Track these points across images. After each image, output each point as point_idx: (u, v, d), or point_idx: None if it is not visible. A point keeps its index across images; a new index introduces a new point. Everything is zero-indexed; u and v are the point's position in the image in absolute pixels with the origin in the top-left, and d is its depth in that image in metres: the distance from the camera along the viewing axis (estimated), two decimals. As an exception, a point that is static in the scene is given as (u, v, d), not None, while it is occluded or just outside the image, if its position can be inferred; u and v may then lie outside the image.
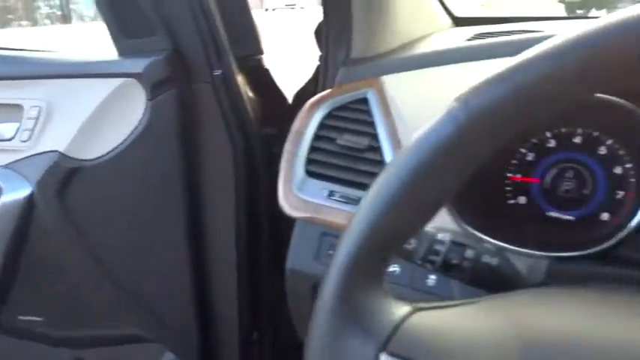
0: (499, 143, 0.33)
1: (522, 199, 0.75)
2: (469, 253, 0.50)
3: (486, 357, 0.32)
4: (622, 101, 0.62)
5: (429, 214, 0.35)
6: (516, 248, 0.62)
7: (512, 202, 0.75)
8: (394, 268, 0.65)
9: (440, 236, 0.50)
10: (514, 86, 0.31)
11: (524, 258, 0.62)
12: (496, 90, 0.32)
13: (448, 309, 0.38)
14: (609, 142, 0.69)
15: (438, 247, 0.50)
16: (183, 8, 0.81)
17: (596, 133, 0.70)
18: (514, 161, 0.75)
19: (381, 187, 0.34)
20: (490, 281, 0.51)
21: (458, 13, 1.09)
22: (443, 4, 1.03)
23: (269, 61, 0.97)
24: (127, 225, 1.02)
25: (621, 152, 0.68)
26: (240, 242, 1.03)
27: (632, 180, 0.68)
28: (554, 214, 0.73)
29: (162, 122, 0.89)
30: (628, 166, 0.68)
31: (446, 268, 0.50)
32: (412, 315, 0.36)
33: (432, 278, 0.62)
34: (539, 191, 0.73)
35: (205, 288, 1.08)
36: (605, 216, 0.70)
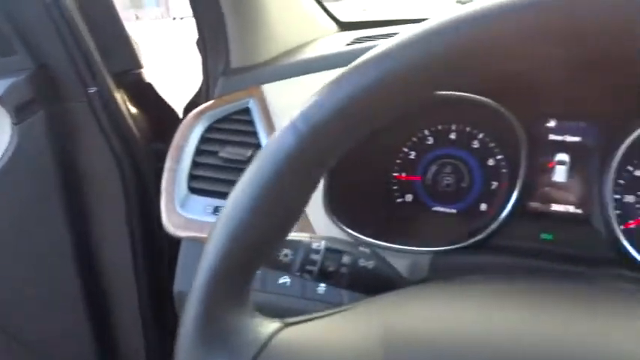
0: (342, 149, 0.33)
1: (409, 197, 0.77)
2: (345, 259, 0.50)
3: None
4: (487, 100, 0.66)
5: (285, 226, 0.34)
6: (400, 246, 0.64)
7: (400, 200, 0.77)
8: (284, 280, 0.64)
9: (315, 245, 0.49)
10: (349, 93, 0.31)
11: (407, 256, 0.63)
12: (332, 98, 0.31)
13: (318, 320, 0.37)
14: (481, 136, 0.73)
15: (313, 256, 0.49)
16: (43, 21, 0.75)
17: (468, 129, 0.73)
18: (398, 160, 0.77)
19: (233, 202, 0.33)
20: (370, 285, 0.51)
21: (343, 18, 1.11)
22: (326, 10, 1.04)
23: (151, 74, 0.93)
24: (7, 261, 0.93)
25: (492, 145, 0.72)
26: (139, 268, 0.97)
27: (504, 171, 0.72)
28: (438, 208, 0.75)
29: (34, 147, 0.82)
30: (499, 157, 0.72)
31: (324, 276, 0.49)
32: (281, 331, 0.35)
33: (322, 287, 0.62)
34: (423, 188, 0.76)
35: (106, 323, 1.01)
36: (483, 207, 0.73)
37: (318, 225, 0.62)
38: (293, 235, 0.50)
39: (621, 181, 0.67)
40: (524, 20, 0.26)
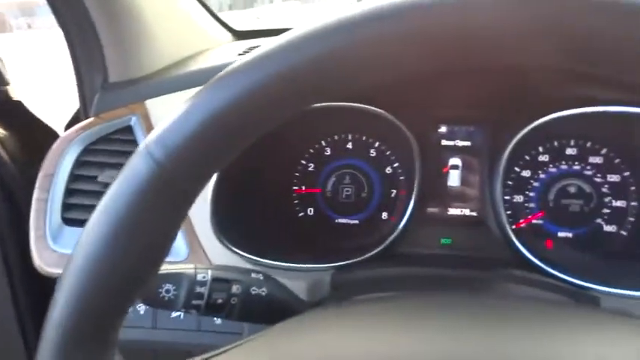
0: (210, 172, 0.29)
1: (311, 210, 0.74)
2: (235, 288, 0.46)
3: None
4: (376, 109, 0.65)
5: (151, 264, 0.30)
6: (301, 265, 0.61)
7: (301, 215, 0.74)
8: (177, 313, 0.58)
9: (200, 276, 0.45)
10: (211, 110, 0.27)
11: (308, 275, 0.61)
12: (192, 116, 0.28)
13: None
14: (377, 145, 0.72)
15: (199, 289, 0.45)
16: None
17: (364, 138, 0.73)
18: (297, 174, 0.74)
19: (85, 241, 0.28)
20: (266, 313, 0.48)
21: (238, 27, 1.07)
22: (219, 19, 1.00)
23: (20, 92, 0.83)
24: None
25: (388, 153, 0.72)
26: (21, 310, 0.86)
27: (402, 178, 0.72)
28: (341, 220, 0.74)
29: None
30: (396, 165, 0.72)
31: (213, 310, 0.45)
32: None
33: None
34: (324, 200, 0.74)
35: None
36: (384, 215, 0.73)
37: (211, 251, 0.58)
38: (175, 268, 0.46)
39: (510, 182, 0.69)
40: (398, 31, 0.25)
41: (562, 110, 0.60)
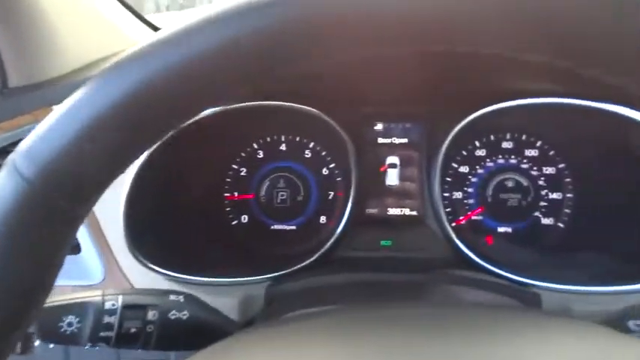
0: (97, 187, 0.24)
1: (244, 218, 0.70)
2: (151, 314, 0.41)
3: None
4: (308, 108, 0.61)
5: (29, 303, 0.25)
6: (232, 279, 0.56)
7: (235, 222, 0.69)
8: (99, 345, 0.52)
9: (109, 304, 0.40)
10: (88, 114, 0.23)
11: (241, 289, 0.56)
12: (65, 123, 0.23)
13: None
14: (311, 145, 0.69)
15: (108, 319, 0.39)
16: None
17: (298, 139, 0.69)
18: (228, 179, 0.69)
19: None
20: (189, 338, 0.43)
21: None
22: (143, 18, 0.93)
23: None
24: None
25: (323, 154, 0.69)
26: None
27: (339, 179, 0.69)
28: (277, 226, 0.70)
29: None
30: (332, 166, 0.69)
31: (126, 341, 0.40)
32: None
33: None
34: (258, 206, 0.69)
35: None
36: (323, 219, 0.69)
37: (130, 272, 0.52)
38: (79, 296, 0.40)
39: (448, 179, 0.67)
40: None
41: (496, 103, 0.59)
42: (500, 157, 0.67)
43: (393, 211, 0.68)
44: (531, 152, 0.66)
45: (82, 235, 0.55)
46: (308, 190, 0.69)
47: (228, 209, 0.69)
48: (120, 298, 0.40)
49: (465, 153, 0.67)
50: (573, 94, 0.55)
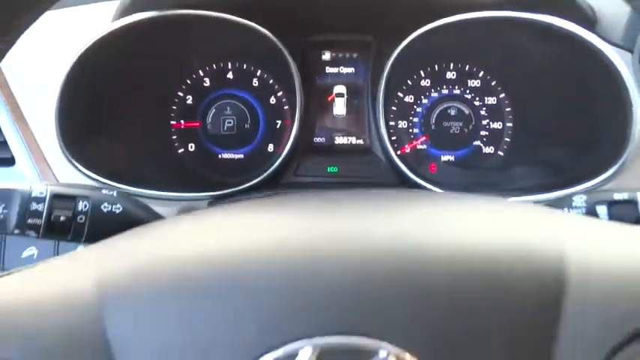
0: None
1: (192, 147, 0.69)
2: (82, 205, 0.40)
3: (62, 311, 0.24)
4: (257, 27, 0.61)
5: None
6: (175, 194, 0.56)
7: (182, 151, 0.69)
8: (30, 252, 0.51)
9: (37, 192, 0.39)
10: None
11: (182, 203, 0.56)
12: None
13: (17, 275, 0.28)
14: (259, 73, 0.68)
15: (36, 206, 0.39)
16: None
17: (245, 66, 0.68)
18: (174, 107, 0.69)
19: None
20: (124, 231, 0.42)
21: None
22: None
23: None
24: None
25: (271, 82, 0.69)
26: None
27: (286, 107, 0.69)
28: (225, 155, 0.69)
29: None
30: (279, 94, 0.69)
31: (56, 231, 0.39)
32: None
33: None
34: (205, 134, 0.69)
35: None
36: (271, 147, 0.69)
37: (67, 180, 0.51)
38: (5, 185, 0.39)
39: (394, 108, 0.69)
40: None
41: (433, 22, 0.59)
42: (444, 87, 0.68)
43: (340, 140, 0.69)
44: (474, 83, 0.68)
45: (16, 146, 0.53)
46: (256, 119, 0.69)
47: (174, 137, 0.69)
48: (49, 188, 0.39)
49: (410, 82, 0.68)
50: (509, 5, 0.56)
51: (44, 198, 0.39)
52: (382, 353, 0.23)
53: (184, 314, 0.25)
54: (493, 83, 0.68)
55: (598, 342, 0.24)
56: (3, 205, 0.38)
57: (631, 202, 0.39)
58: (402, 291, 0.24)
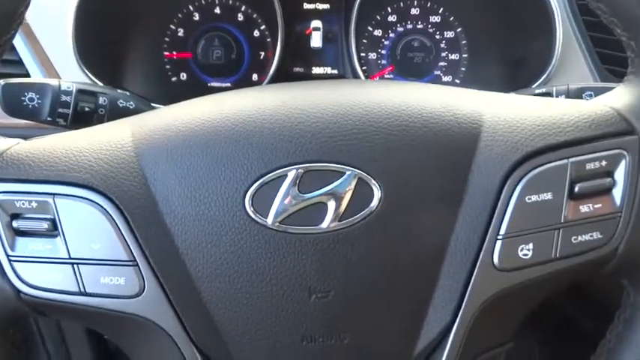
0: None
1: (183, 75, 0.77)
2: (102, 99, 0.48)
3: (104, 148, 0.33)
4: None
5: None
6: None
7: (174, 79, 0.77)
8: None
9: (65, 87, 0.47)
10: None
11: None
12: None
13: (61, 135, 0.37)
14: (243, 8, 0.76)
15: (64, 97, 0.47)
16: None
17: (231, 2, 0.76)
18: (167, 39, 0.76)
19: None
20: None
21: None
22: None
23: None
24: None
25: (255, 16, 0.76)
26: None
27: (269, 40, 0.77)
28: (214, 83, 0.77)
29: None
30: (262, 28, 0.77)
31: (81, 120, 0.48)
32: (14, 146, 0.34)
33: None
34: (196, 64, 0.77)
35: None
36: (255, 77, 0.78)
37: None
38: (37, 80, 0.47)
39: (365, 41, 0.77)
40: None
41: None
42: (408, 22, 0.77)
43: (316, 70, 0.78)
44: (435, 18, 0.77)
45: (30, 63, 0.61)
46: (241, 51, 0.77)
47: (167, 67, 0.76)
48: (74, 84, 0.47)
49: (378, 18, 0.76)
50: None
51: (71, 92, 0.47)
52: (348, 172, 0.33)
53: (201, 149, 0.34)
54: (451, 19, 0.77)
55: (503, 158, 0.34)
56: (38, 96, 0.46)
57: (548, 94, 0.49)
58: (366, 131, 0.34)
